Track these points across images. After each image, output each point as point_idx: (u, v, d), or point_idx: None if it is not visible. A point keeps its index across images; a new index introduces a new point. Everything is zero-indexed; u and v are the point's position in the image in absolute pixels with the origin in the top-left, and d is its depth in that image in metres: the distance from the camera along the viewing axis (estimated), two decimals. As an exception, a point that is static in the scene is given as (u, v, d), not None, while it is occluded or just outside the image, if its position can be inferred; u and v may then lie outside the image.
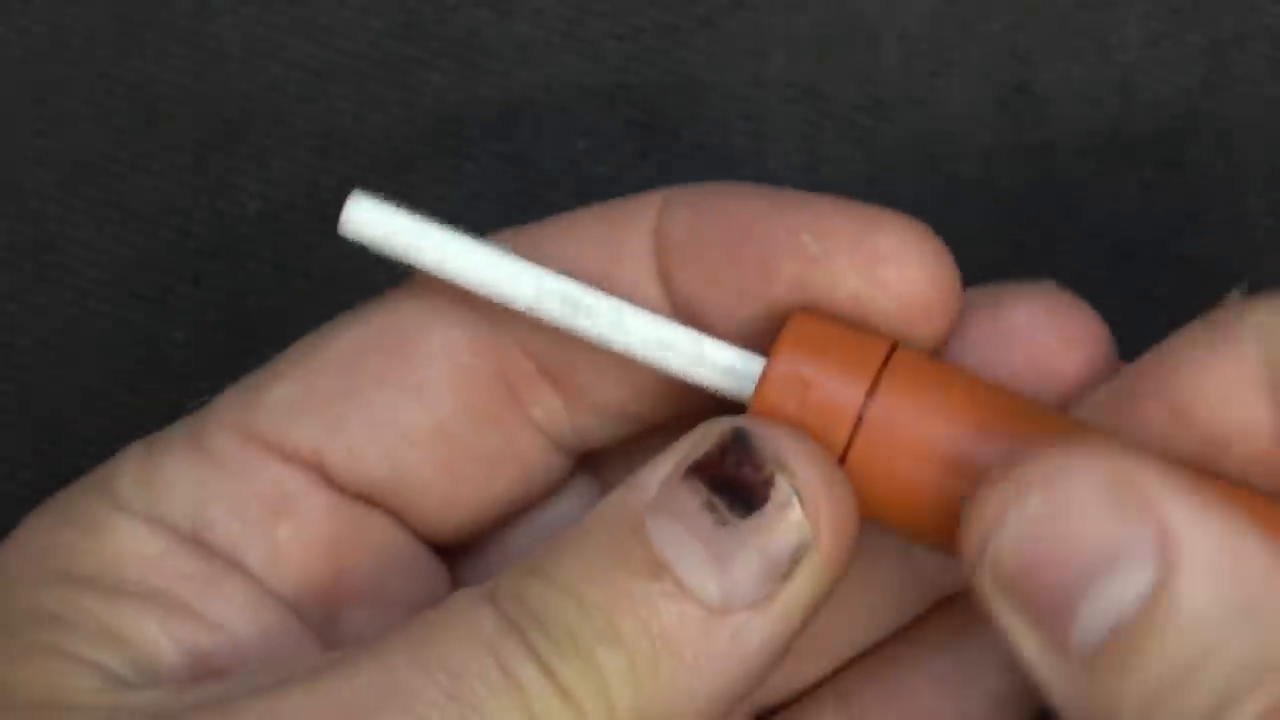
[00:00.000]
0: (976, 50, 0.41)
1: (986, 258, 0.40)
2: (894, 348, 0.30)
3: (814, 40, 0.41)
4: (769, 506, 0.27)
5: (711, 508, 0.27)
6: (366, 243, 0.32)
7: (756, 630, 0.27)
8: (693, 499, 0.27)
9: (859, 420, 0.29)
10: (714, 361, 0.31)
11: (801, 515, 0.27)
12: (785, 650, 0.28)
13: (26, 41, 0.41)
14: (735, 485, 0.27)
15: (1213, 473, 0.30)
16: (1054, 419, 0.31)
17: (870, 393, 0.30)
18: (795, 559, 0.27)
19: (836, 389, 0.29)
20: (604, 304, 0.31)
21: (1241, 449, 0.30)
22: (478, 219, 0.41)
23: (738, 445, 0.28)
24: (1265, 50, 0.40)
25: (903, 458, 0.29)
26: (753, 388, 0.30)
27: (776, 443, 0.28)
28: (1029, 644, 0.28)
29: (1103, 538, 0.27)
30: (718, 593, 0.27)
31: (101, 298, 0.41)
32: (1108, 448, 0.28)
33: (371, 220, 0.32)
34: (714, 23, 0.41)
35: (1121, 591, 0.27)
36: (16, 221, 0.41)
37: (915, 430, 0.29)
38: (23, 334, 0.41)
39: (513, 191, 0.41)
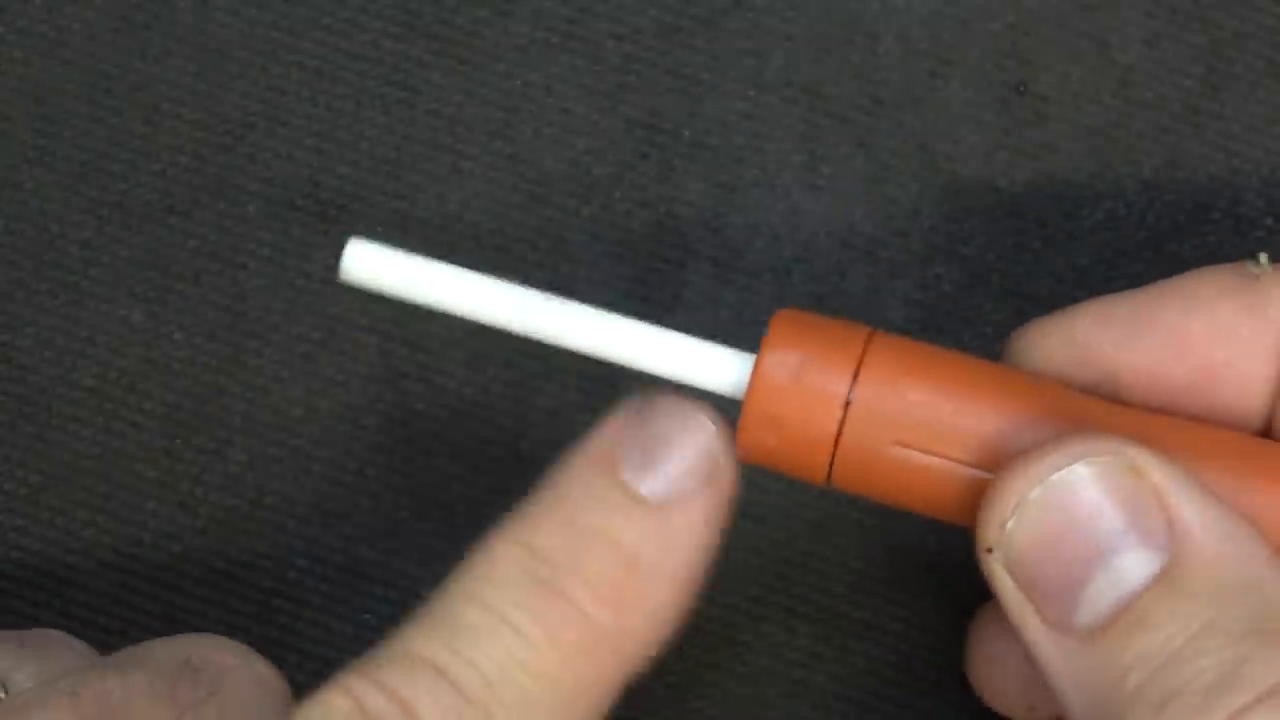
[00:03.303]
0: (976, 50, 0.41)
1: (986, 258, 0.40)
2: (872, 333, 0.32)
3: (814, 40, 0.41)
4: (688, 429, 0.31)
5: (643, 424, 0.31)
6: (367, 287, 0.33)
7: (687, 523, 0.31)
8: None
9: (848, 402, 0.31)
10: (705, 362, 0.32)
11: (713, 436, 0.31)
12: (711, 547, 0.31)
13: (26, 41, 0.41)
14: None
15: (1189, 413, 0.32)
16: (1038, 388, 0.32)
17: (855, 376, 0.31)
18: (710, 468, 0.31)
19: (824, 375, 0.31)
20: (595, 317, 0.32)
21: (1228, 391, 0.32)
22: (478, 219, 0.41)
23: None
24: (1265, 50, 0.40)
25: (891, 433, 0.31)
26: (745, 385, 0.32)
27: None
28: (1032, 622, 0.30)
29: (1114, 523, 0.29)
30: (653, 493, 0.31)
31: (101, 298, 0.41)
32: (1117, 438, 0.30)
33: (369, 265, 0.33)
34: (714, 23, 0.41)
35: (1129, 572, 0.29)
36: (16, 221, 0.41)
37: (900, 408, 0.31)
38: (23, 334, 0.41)
39: (513, 191, 0.41)
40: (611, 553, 0.30)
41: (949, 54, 0.41)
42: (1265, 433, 0.33)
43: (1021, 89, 0.41)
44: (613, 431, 0.31)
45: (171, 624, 0.40)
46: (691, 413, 0.31)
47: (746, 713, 0.40)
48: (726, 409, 0.32)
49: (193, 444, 0.41)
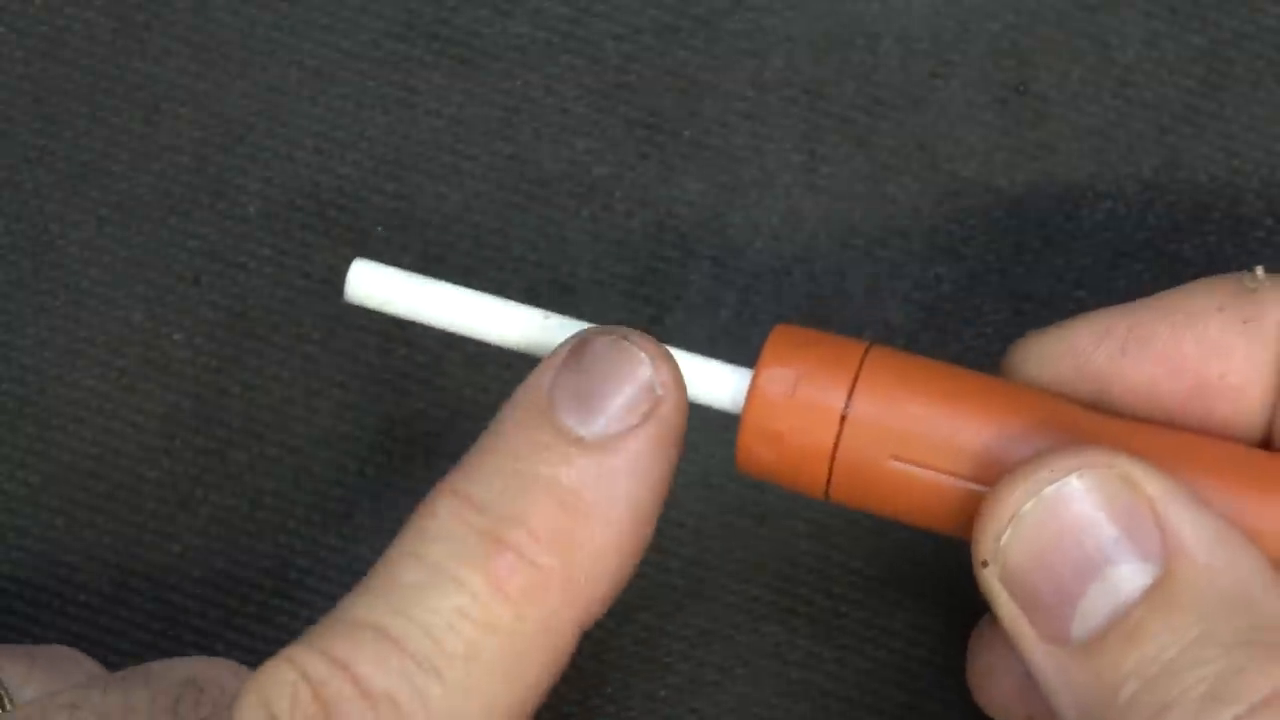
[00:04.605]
0: (976, 50, 0.41)
1: (986, 258, 0.40)
2: (869, 347, 0.32)
3: (814, 40, 0.41)
4: (622, 365, 0.31)
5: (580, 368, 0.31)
6: (371, 308, 0.33)
7: (627, 460, 0.30)
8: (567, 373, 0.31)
9: (844, 417, 0.31)
10: (703, 377, 0.32)
11: (650, 370, 0.31)
12: (660, 482, 0.31)
13: (26, 41, 0.41)
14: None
15: (1183, 425, 0.32)
16: (1034, 401, 0.32)
17: (851, 391, 0.31)
18: (649, 402, 0.30)
19: (820, 391, 0.31)
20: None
21: (1224, 404, 0.32)
22: (478, 219, 0.41)
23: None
24: (1265, 50, 0.40)
25: (887, 447, 0.31)
26: (742, 400, 0.32)
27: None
28: (1027, 635, 0.30)
29: (1108, 535, 0.29)
30: (591, 433, 0.30)
31: (101, 298, 0.41)
32: (1110, 450, 0.30)
33: (373, 285, 0.33)
34: (714, 23, 0.41)
35: (1123, 584, 0.29)
36: (16, 221, 0.41)
37: (896, 422, 0.31)
38: (23, 334, 0.41)
39: (513, 191, 0.41)
40: (551, 496, 0.30)
41: (949, 54, 0.41)
42: (1264, 445, 0.33)
43: (1021, 89, 0.41)
44: (547, 375, 0.31)
45: (172, 624, 0.40)
46: (625, 348, 0.31)
47: (746, 713, 0.40)
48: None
49: (193, 444, 0.41)
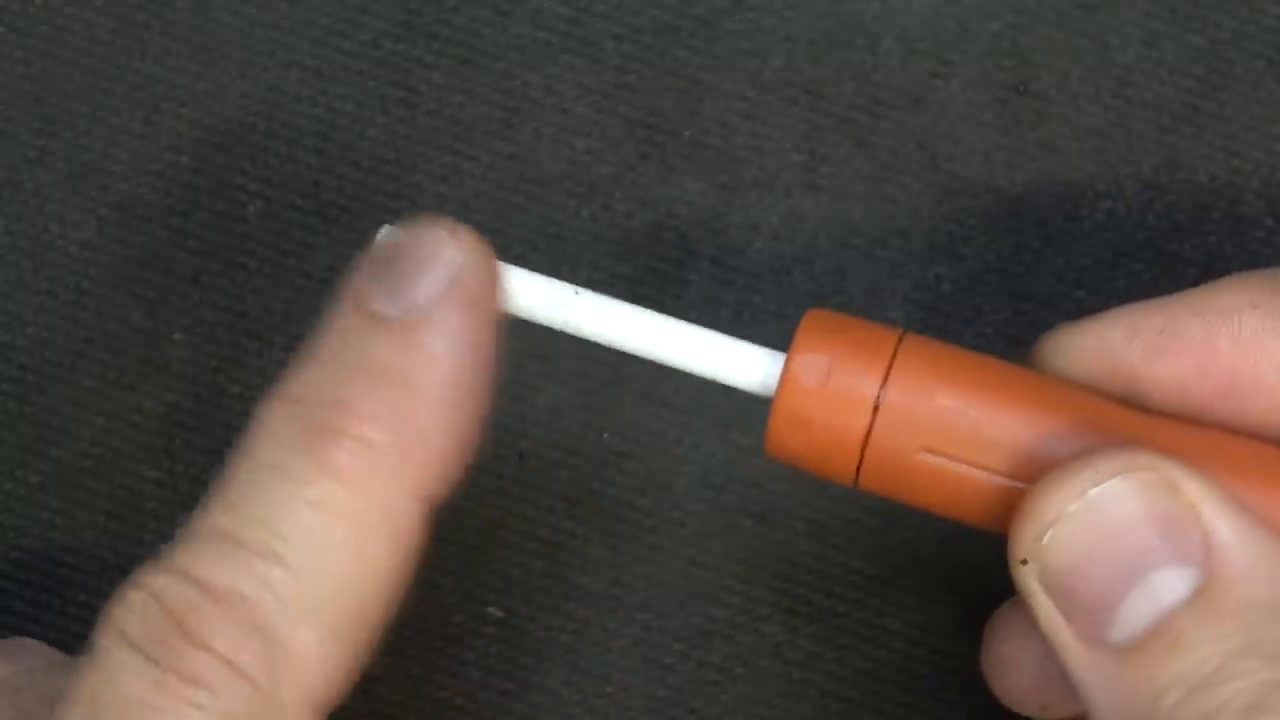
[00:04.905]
0: (976, 50, 0.41)
1: (986, 258, 0.40)
2: (903, 335, 0.32)
3: (813, 40, 0.41)
4: (422, 245, 0.31)
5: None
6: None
7: (438, 329, 0.31)
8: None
9: (876, 406, 0.31)
10: (734, 360, 0.32)
11: (451, 244, 0.31)
12: (476, 348, 0.31)
13: (27, 41, 0.41)
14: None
15: (1215, 422, 0.32)
16: (1070, 396, 0.32)
17: (885, 380, 0.31)
18: (452, 272, 0.31)
19: (853, 379, 0.31)
20: (623, 310, 0.32)
21: (1256, 403, 0.32)
22: (478, 219, 0.41)
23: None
24: (1265, 50, 0.40)
25: (920, 438, 0.31)
26: (775, 384, 0.31)
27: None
28: (1065, 636, 0.30)
29: (1150, 539, 0.29)
30: (404, 313, 0.31)
31: (101, 298, 0.41)
32: (1154, 453, 0.30)
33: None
34: (714, 23, 0.41)
35: (1165, 589, 0.29)
36: (16, 221, 0.41)
37: (929, 414, 0.31)
38: (22, 334, 0.41)
39: (513, 191, 0.41)
40: (369, 375, 0.30)
41: (949, 54, 0.41)
42: None
43: (1021, 89, 0.41)
44: (362, 268, 0.31)
45: (171, 624, 0.40)
46: (437, 232, 0.31)
47: (746, 713, 0.40)
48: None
49: (193, 444, 0.41)
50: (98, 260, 0.41)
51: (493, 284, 0.31)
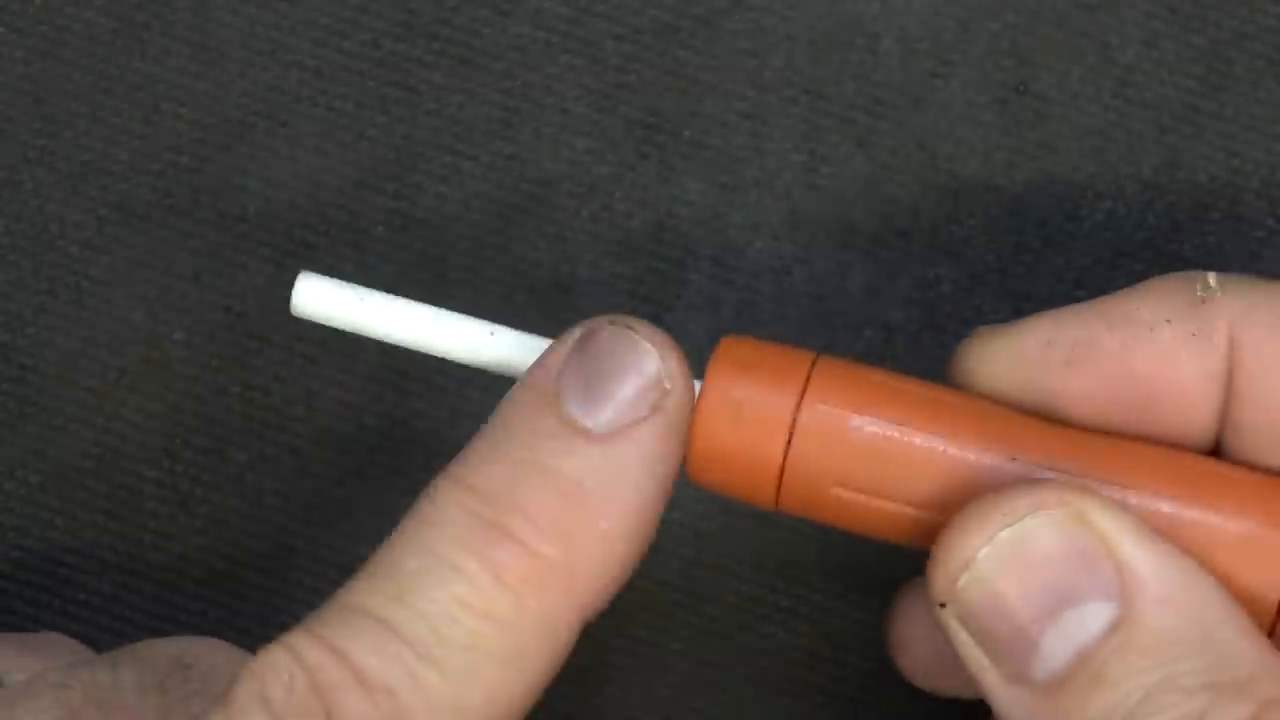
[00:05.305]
0: (976, 50, 0.41)
1: (987, 258, 0.40)
2: (816, 359, 0.31)
3: (813, 40, 0.41)
4: (630, 358, 0.31)
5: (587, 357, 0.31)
6: (318, 320, 0.33)
7: (633, 452, 0.30)
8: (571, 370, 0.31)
9: (792, 428, 0.31)
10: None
11: (658, 363, 0.30)
12: (665, 475, 0.30)
13: (26, 41, 0.41)
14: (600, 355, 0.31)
15: (1134, 434, 0.32)
16: (983, 419, 0.31)
17: (799, 402, 0.31)
18: (657, 395, 0.30)
19: (768, 402, 0.31)
20: (537, 345, 0.32)
21: (1174, 414, 0.32)
22: (478, 219, 0.41)
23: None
24: (1265, 50, 0.40)
25: (833, 474, 0.31)
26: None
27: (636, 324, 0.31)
28: (989, 675, 0.30)
29: (1065, 575, 0.29)
30: (596, 424, 0.30)
31: (101, 298, 0.41)
32: (1064, 487, 0.30)
33: (318, 298, 0.33)
34: (714, 23, 0.41)
35: (1083, 625, 0.29)
36: (16, 221, 0.41)
37: (838, 458, 0.31)
38: (23, 334, 0.41)
39: (513, 191, 0.41)
40: (554, 486, 0.30)
41: (949, 54, 0.41)
42: (1214, 455, 0.32)
43: (1021, 89, 0.41)
44: (555, 362, 0.30)
45: (172, 624, 0.40)
46: (635, 340, 0.30)
47: (746, 713, 0.40)
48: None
49: (193, 444, 0.41)
50: (98, 260, 0.41)
51: (689, 403, 0.31)
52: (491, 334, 0.32)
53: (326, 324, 0.33)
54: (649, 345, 0.30)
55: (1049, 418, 0.32)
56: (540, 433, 0.30)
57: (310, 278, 0.33)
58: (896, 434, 0.31)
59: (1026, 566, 0.29)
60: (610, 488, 0.30)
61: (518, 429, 0.30)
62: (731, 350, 0.32)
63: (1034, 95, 0.41)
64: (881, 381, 0.31)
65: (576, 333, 0.31)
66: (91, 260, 0.41)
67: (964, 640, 0.30)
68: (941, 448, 0.31)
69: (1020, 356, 0.32)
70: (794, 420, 0.31)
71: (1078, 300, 0.40)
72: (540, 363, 0.31)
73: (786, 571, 0.40)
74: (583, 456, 0.30)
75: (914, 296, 0.40)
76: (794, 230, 0.41)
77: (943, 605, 0.30)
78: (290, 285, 0.41)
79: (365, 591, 0.29)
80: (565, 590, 0.30)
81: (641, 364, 0.30)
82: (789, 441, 0.31)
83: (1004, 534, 0.29)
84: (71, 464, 0.41)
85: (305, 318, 0.33)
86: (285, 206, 0.41)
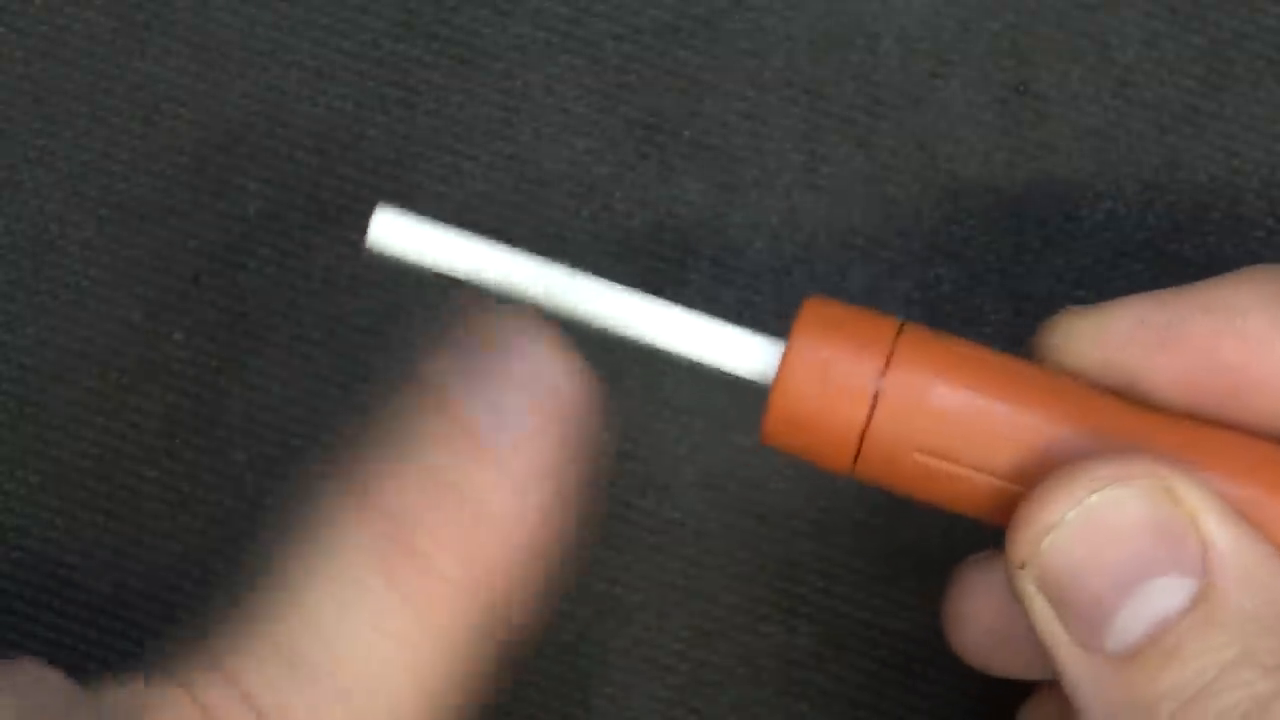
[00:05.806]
0: (976, 50, 0.41)
1: (987, 258, 0.40)
2: (903, 325, 0.31)
3: (813, 40, 0.41)
4: (527, 365, 0.30)
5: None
6: (395, 255, 0.32)
7: (533, 465, 0.29)
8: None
9: (874, 402, 0.31)
10: (734, 347, 0.32)
11: (557, 368, 0.30)
12: (568, 482, 0.30)
13: (26, 42, 0.41)
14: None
15: (1217, 420, 0.32)
16: (1070, 394, 0.31)
17: (885, 369, 0.31)
18: (554, 402, 0.30)
19: (855, 364, 0.31)
20: (621, 294, 0.32)
21: (1258, 403, 0.32)
22: (478, 219, 0.41)
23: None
24: (1265, 50, 0.41)
25: (915, 439, 0.31)
26: (773, 372, 0.31)
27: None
28: (1060, 642, 0.30)
29: (1148, 547, 0.29)
30: (497, 438, 0.29)
31: (101, 298, 0.41)
32: (1153, 460, 0.30)
33: (399, 233, 0.32)
34: (714, 23, 0.41)
35: (1162, 598, 0.29)
36: (16, 221, 0.41)
37: (924, 412, 0.31)
38: (22, 334, 0.41)
39: (513, 191, 0.41)
40: (456, 501, 0.29)
41: (949, 54, 0.41)
42: None
43: (1021, 89, 0.41)
44: (452, 375, 0.30)
45: (171, 624, 0.40)
46: (537, 347, 0.30)
47: (746, 713, 0.40)
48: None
49: (193, 444, 0.41)
50: (98, 260, 0.41)
51: (592, 413, 0.30)
52: (571, 277, 0.32)
53: (401, 259, 0.32)
54: (547, 351, 0.30)
55: (1134, 399, 0.32)
56: (430, 439, 0.29)
57: (388, 210, 0.32)
58: (982, 403, 0.31)
59: (1111, 534, 0.29)
60: (512, 502, 0.29)
61: (413, 438, 0.29)
62: (817, 311, 0.32)
63: (1034, 95, 0.41)
64: (967, 351, 0.32)
65: (470, 339, 0.30)
66: (91, 260, 0.41)
67: (1039, 605, 0.30)
68: (1026, 418, 0.31)
69: (1109, 336, 0.32)
70: (880, 384, 0.31)
71: (1078, 300, 0.40)
72: (434, 369, 0.30)
73: (786, 571, 0.40)
74: (484, 472, 0.29)
75: (914, 296, 0.40)
76: (794, 230, 0.41)
77: (1021, 567, 0.30)
78: (292, 285, 0.41)
79: (262, 611, 0.29)
80: (468, 606, 0.29)
81: (539, 371, 0.30)
82: (873, 405, 0.31)
83: (1092, 498, 0.29)
84: (71, 464, 0.41)
85: (381, 251, 0.32)
86: (285, 206, 0.41)
